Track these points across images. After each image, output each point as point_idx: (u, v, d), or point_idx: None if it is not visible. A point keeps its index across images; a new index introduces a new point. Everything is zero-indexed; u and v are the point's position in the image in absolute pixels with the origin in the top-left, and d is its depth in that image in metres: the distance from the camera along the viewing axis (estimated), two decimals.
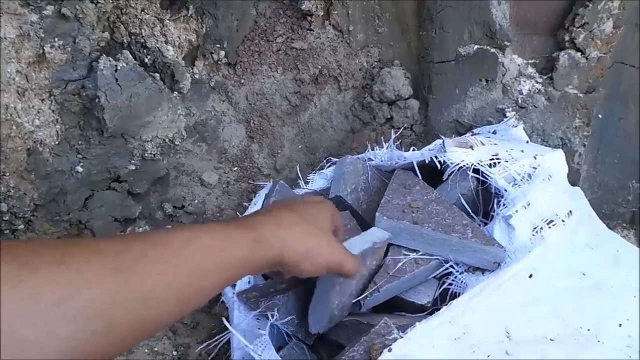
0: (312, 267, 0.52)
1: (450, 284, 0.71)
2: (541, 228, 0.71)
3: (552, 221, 0.72)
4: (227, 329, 0.70)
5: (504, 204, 0.73)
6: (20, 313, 0.31)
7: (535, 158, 0.76)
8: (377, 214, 0.73)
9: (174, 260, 0.39)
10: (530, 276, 0.67)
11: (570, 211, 0.74)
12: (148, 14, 0.80)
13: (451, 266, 0.72)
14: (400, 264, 0.71)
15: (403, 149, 0.93)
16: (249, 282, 0.74)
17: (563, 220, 0.73)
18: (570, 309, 0.65)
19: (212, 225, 0.45)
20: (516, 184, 0.73)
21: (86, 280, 0.34)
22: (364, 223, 0.82)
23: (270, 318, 0.66)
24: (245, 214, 0.81)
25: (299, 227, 0.51)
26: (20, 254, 0.33)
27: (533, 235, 0.71)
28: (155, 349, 0.74)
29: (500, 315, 0.64)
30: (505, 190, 0.73)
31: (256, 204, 0.82)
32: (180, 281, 0.40)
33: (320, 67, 0.99)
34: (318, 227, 0.54)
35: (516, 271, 0.68)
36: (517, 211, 0.70)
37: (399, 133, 0.94)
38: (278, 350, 0.67)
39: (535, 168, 0.76)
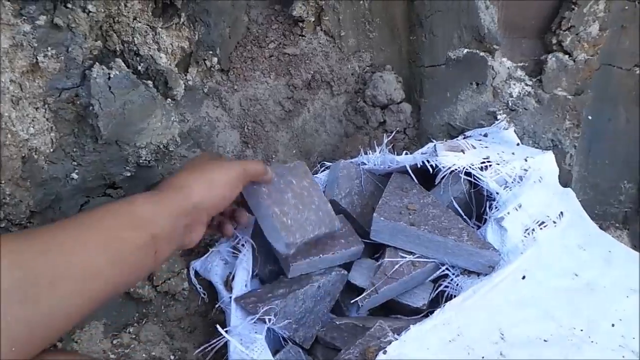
0: (224, 187, 0.60)
1: (446, 287, 0.72)
2: (533, 229, 0.72)
3: (543, 222, 0.73)
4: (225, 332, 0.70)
5: (495, 207, 0.74)
6: None
7: (526, 160, 0.77)
8: (374, 214, 0.74)
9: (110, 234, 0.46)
10: (523, 277, 0.68)
11: (562, 212, 0.75)
12: (140, 22, 0.81)
13: (447, 269, 0.72)
14: (397, 266, 0.72)
15: (396, 152, 0.94)
16: (245, 285, 0.74)
17: (554, 222, 0.74)
18: (563, 310, 0.66)
19: (133, 197, 0.52)
20: (507, 187, 0.74)
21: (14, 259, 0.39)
22: (359, 226, 0.83)
23: (267, 322, 0.67)
24: None
25: (196, 171, 0.60)
26: None
27: (525, 236, 0.72)
28: (153, 353, 0.74)
29: (494, 317, 0.65)
30: (497, 193, 0.74)
31: None
32: (109, 236, 0.46)
33: (312, 72, 1.00)
34: (211, 166, 0.62)
35: (509, 273, 0.69)
36: (508, 213, 0.71)
37: (391, 137, 0.95)
38: (274, 354, 0.67)
39: (526, 170, 0.77)
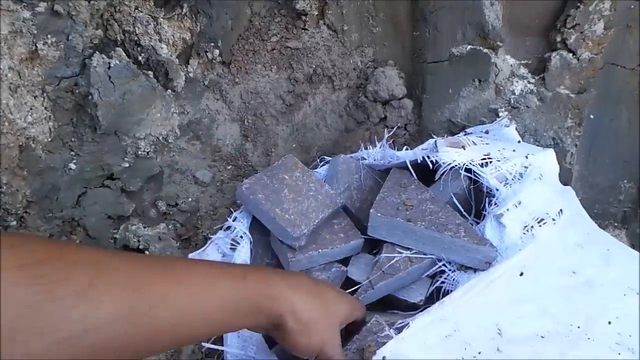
0: (306, 343, 0.52)
1: (443, 282, 0.71)
2: (532, 227, 0.72)
3: (542, 220, 0.73)
4: None
5: (495, 203, 0.74)
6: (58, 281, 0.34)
7: (526, 157, 0.77)
8: (371, 210, 0.73)
9: (191, 304, 0.42)
10: (521, 274, 0.68)
11: (561, 210, 0.75)
12: (142, 12, 0.80)
13: (444, 265, 0.72)
14: (393, 262, 0.72)
15: (396, 148, 0.93)
16: None
17: (554, 219, 0.74)
18: (561, 307, 0.66)
19: (231, 270, 0.47)
20: (507, 183, 0.74)
21: (102, 318, 0.35)
22: (357, 221, 0.83)
23: None
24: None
25: (311, 298, 0.52)
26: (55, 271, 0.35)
27: (524, 233, 0.72)
28: None
29: (491, 313, 0.65)
30: (497, 190, 0.73)
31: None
32: (193, 324, 0.42)
33: (314, 66, 0.99)
34: (330, 309, 0.54)
35: (507, 269, 0.68)
36: (508, 210, 0.71)
37: (392, 132, 0.95)
38: (271, 347, 0.67)
39: (526, 167, 0.77)
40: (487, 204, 0.74)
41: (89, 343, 0.34)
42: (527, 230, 0.70)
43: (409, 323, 0.63)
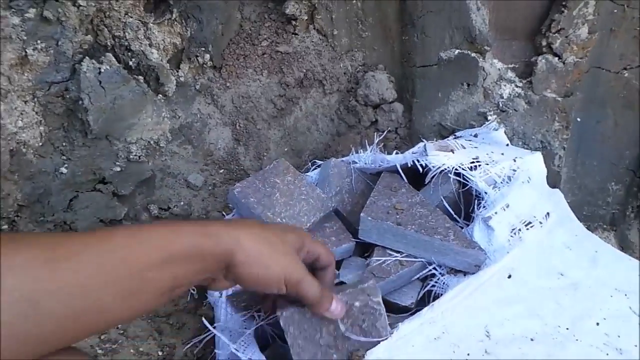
0: (266, 274, 0.48)
1: (433, 286, 0.72)
2: (519, 230, 0.73)
3: (530, 223, 0.74)
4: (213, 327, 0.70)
5: (484, 206, 0.74)
6: None
7: (514, 160, 0.78)
8: (362, 214, 0.74)
9: (114, 253, 0.39)
10: (509, 276, 0.69)
11: (548, 213, 0.76)
12: (132, 17, 0.80)
13: (434, 268, 0.73)
14: (384, 265, 0.72)
15: (387, 151, 0.94)
16: (237, 287, 0.74)
17: (540, 222, 0.75)
18: (549, 308, 0.67)
19: (162, 221, 0.44)
20: (496, 187, 0.75)
21: (13, 267, 0.34)
22: (349, 225, 0.83)
23: (257, 319, 0.67)
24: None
25: (256, 230, 0.48)
26: None
27: (511, 236, 0.72)
28: (141, 349, 0.74)
29: (480, 315, 0.65)
30: (486, 193, 0.74)
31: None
32: (121, 274, 0.39)
33: (305, 70, 1.00)
34: (279, 239, 0.50)
35: (495, 272, 0.69)
36: (496, 213, 0.72)
37: (382, 136, 0.96)
38: (262, 350, 0.67)
39: (514, 170, 0.78)
40: (476, 207, 0.75)
41: (6, 288, 0.34)
42: (515, 233, 0.71)
43: (398, 325, 0.63)
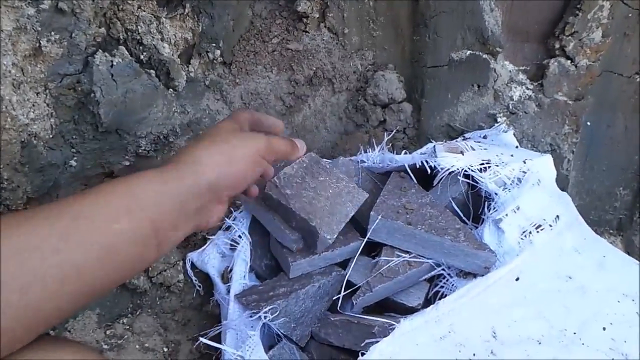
0: (246, 163, 0.50)
1: (442, 287, 0.72)
2: (530, 232, 0.73)
3: (540, 226, 0.74)
4: (217, 324, 0.70)
5: (494, 208, 0.74)
6: None
7: (524, 162, 0.78)
8: (372, 212, 0.74)
9: (81, 216, 0.39)
10: (517, 279, 0.69)
11: (558, 216, 0.76)
12: (144, 11, 0.80)
13: (443, 269, 0.73)
14: (392, 265, 0.72)
15: (395, 151, 0.94)
16: (244, 277, 0.74)
17: (550, 225, 0.75)
18: (556, 311, 0.67)
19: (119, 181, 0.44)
20: (506, 188, 0.75)
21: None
22: (356, 223, 0.83)
23: (263, 318, 0.67)
24: None
25: (213, 144, 0.49)
26: None
27: (521, 239, 0.72)
28: (146, 344, 0.74)
29: (486, 316, 0.65)
30: (496, 194, 0.74)
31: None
32: (90, 229, 0.39)
33: (314, 68, 1.00)
34: (241, 142, 0.51)
35: (504, 274, 0.69)
36: (507, 215, 0.72)
37: (391, 136, 0.95)
38: (268, 349, 0.67)
39: (524, 172, 0.77)
40: (485, 209, 0.75)
41: None
42: (525, 236, 0.71)
43: (400, 320, 0.63)
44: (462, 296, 0.66)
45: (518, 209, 0.72)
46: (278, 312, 0.67)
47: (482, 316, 0.65)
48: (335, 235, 0.71)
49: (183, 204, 0.45)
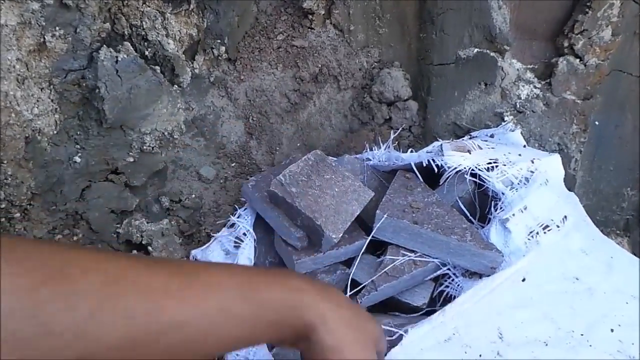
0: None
1: (446, 287, 0.71)
2: (537, 233, 0.72)
3: (547, 226, 0.73)
4: None
5: (501, 207, 0.74)
6: (56, 314, 0.31)
7: (532, 162, 0.77)
8: (377, 211, 0.73)
9: (203, 327, 0.38)
10: (524, 280, 0.68)
11: (565, 216, 0.75)
12: (149, 6, 0.80)
13: (448, 269, 0.72)
14: (397, 264, 0.72)
15: (401, 150, 0.94)
16: None
17: (558, 226, 0.74)
18: (563, 313, 0.66)
19: (248, 276, 0.42)
20: (513, 188, 0.74)
21: (100, 353, 0.33)
22: (361, 222, 0.83)
23: None
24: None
25: (343, 311, 0.44)
26: (87, 264, 0.34)
27: (528, 239, 0.72)
28: None
29: (493, 317, 0.65)
30: (503, 194, 0.73)
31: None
32: (206, 346, 0.38)
33: (320, 65, 0.99)
34: (364, 326, 0.46)
35: (510, 274, 0.68)
36: (514, 215, 0.71)
37: (397, 134, 0.95)
38: (271, 348, 0.67)
39: (532, 172, 0.77)
40: (492, 209, 0.74)
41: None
42: (532, 237, 0.70)
43: (407, 329, 0.63)
44: (468, 298, 0.65)
45: (525, 208, 0.71)
46: None
47: (488, 317, 0.64)
48: (341, 235, 0.70)
49: (275, 337, 0.44)
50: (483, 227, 0.75)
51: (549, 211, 0.73)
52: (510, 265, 0.68)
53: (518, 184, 0.74)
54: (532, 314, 0.65)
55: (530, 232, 0.70)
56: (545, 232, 0.71)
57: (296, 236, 0.71)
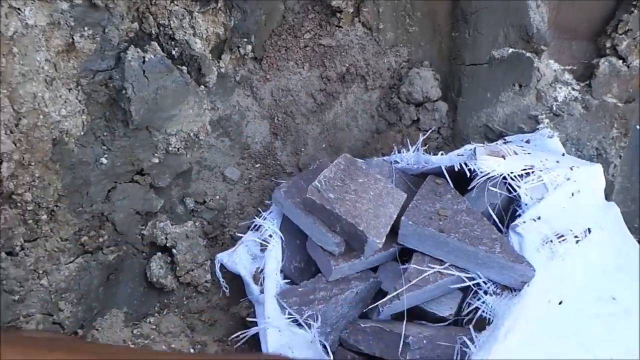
0: None
1: (477, 308, 0.68)
2: (551, 241, 0.69)
3: (562, 236, 0.70)
4: (245, 327, 0.70)
5: (519, 215, 0.71)
6: None
7: (571, 169, 0.73)
8: (403, 218, 0.71)
9: None
10: (560, 303, 0.65)
11: (589, 229, 0.71)
12: (177, 5, 0.79)
13: (476, 284, 0.69)
14: (423, 275, 0.70)
15: (430, 152, 0.91)
16: (276, 274, 0.73)
17: (576, 236, 0.70)
18: (601, 339, 0.63)
19: None
20: (535, 197, 0.71)
21: None
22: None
23: (303, 324, 0.66)
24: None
25: None
26: None
27: (542, 246, 0.68)
28: (173, 345, 0.73)
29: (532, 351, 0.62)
30: (526, 204, 0.71)
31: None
32: None
33: (347, 65, 0.97)
34: None
35: (544, 296, 0.65)
36: (524, 222, 0.68)
37: (426, 136, 0.92)
38: None
39: (568, 179, 0.73)
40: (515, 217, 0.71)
41: None
42: (544, 244, 0.67)
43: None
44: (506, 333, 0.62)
45: (539, 218, 0.69)
46: (318, 318, 0.66)
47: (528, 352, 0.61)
48: (384, 239, 0.69)
49: None
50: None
51: (568, 222, 0.70)
52: (542, 284, 0.65)
53: (553, 190, 0.71)
54: (570, 344, 0.62)
55: (545, 241, 0.67)
56: (560, 242, 0.67)
57: (334, 242, 0.70)
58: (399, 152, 0.87)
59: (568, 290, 0.65)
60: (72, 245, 0.72)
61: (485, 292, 0.67)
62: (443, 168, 0.79)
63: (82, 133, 0.72)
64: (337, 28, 0.95)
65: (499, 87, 0.89)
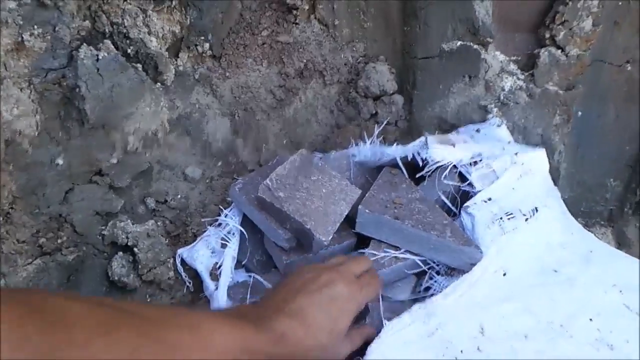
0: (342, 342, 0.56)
1: (429, 287, 0.72)
2: (500, 218, 0.73)
3: (511, 214, 0.74)
4: None
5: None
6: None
7: (516, 154, 0.77)
8: (359, 206, 0.74)
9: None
10: (504, 274, 0.69)
11: (536, 208, 0.76)
12: (130, 4, 0.79)
13: (430, 267, 0.73)
14: (378, 258, 0.72)
15: (387, 144, 0.94)
16: (232, 281, 0.74)
17: (525, 215, 0.75)
18: (542, 305, 0.67)
19: (234, 322, 0.48)
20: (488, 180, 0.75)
21: None
22: (347, 218, 0.83)
23: None
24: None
25: (319, 328, 0.53)
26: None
27: (492, 223, 0.72)
28: None
29: (474, 312, 0.66)
30: (479, 191, 0.75)
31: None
32: None
33: (305, 61, 0.99)
34: (337, 326, 0.55)
35: (489, 269, 0.69)
36: (475, 203, 0.72)
37: (381, 128, 0.95)
38: None
39: (515, 162, 0.77)
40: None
41: None
42: (494, 222, 0.71)
43: (386, 323, 0.64)
44: (450, 293, 0.66)
45: (490, 199, 0.73)
46: None
47: (470, 313, 0.65)
48: (331, 237, 0.70)
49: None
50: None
51: (517, 201, 0.74)
52: (489, 259, 0.69)
53: (499, 176, 0.75)
54: (513, 307, 0.67)
55: (494, 220, 0.72)
56: (509, 219, 0.72)
57: (284, 238, 0.72)
58: (357, 145, 0.90)
59: (512, 263, 0.69)
60: (30, 247, 0.72)
61: (438, 273, 0.70)
62: (398, 159, 0.82)
63: (37, 133, 0.71)
64: (294, 25, 0.97)
65: (450, 79, 0.93)
